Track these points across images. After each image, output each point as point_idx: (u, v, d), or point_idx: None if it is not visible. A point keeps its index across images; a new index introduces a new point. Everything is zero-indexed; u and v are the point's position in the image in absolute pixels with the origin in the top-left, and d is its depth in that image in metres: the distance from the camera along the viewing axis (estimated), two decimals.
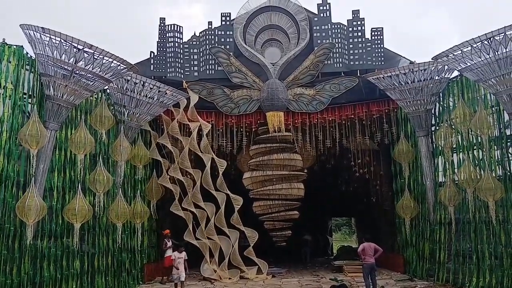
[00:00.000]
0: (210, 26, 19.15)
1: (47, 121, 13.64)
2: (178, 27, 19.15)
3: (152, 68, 18.65)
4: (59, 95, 13.77)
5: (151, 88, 17.02)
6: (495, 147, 14.82)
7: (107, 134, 16.25)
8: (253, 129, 19.25)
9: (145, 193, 18.03)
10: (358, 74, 18.74)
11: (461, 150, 16.13)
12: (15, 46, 13.55)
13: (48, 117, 13.69)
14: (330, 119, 19.08)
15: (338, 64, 18.91)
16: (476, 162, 15.32)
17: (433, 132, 17.57)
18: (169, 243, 17.66)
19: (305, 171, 20.34)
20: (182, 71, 18.91)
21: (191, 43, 19.25)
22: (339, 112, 19.05)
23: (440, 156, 17.21)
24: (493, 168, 14.55)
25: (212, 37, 19.06)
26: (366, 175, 20.65)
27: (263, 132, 19.06)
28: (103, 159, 15.59)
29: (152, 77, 17.76)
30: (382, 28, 19.07)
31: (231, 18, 19.31)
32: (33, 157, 12.94)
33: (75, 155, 14.71)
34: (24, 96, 13.67)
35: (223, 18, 19.29)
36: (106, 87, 15.87)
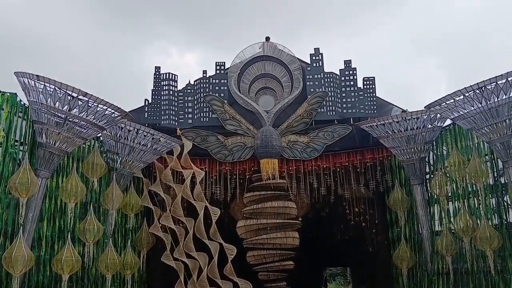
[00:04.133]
0: (204, 74, 19.44)
1: (38, 169, 13.46)
2: (173, 75, 19.40)
3: (146, 116, 18.73)
4: (51, 143, 13.66)
5: (144, 136, 16.97)
6: (491, 195, 14.82)
7: (99, 182, 16.06)
8: (247, 176, 19.08)
9: (136, 243, 17.60)
10: (352, 122, 18.89)
11: (456, 198, 16.08)
12: (8, 94, 13.55)
13: (39, 164, 13.52)
14: (325, 166, 19.03)
15: (331, 112, 19.07)
16: (472, 211, 15.24)
17: (427, 180, 17.57)
18: None
19: (300, 219, 20.09)
20: (176, 118, 18.99)
21: (185, 91, 19.44)
22: (333, 159, 19.03)
23: (435, 205, 17.13)
24: (489, 216, 14.50)
25: (207, 85, 19.26)
26: (362, 224, 20.47)
27: (257, 180, 18.88)
28: (94, 208, 15.33)
29: (146, 125, 17.80)
30: (374, 77, 19.41)
31: (226, 67, 19.59)
32: (22, 205, 12.67)
33: (66, 204, 14.44)
34: (16, 143, 13.57)
35: (218, 67, 19.56)
36: (100, 134, 15.83)
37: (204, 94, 19.20)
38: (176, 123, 18.97)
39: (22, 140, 13.75)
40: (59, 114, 13.66)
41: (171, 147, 18.13)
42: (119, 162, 16.73)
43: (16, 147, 13.58)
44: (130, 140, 16.77)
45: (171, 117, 18.96)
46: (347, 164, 19.07)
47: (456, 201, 16.07)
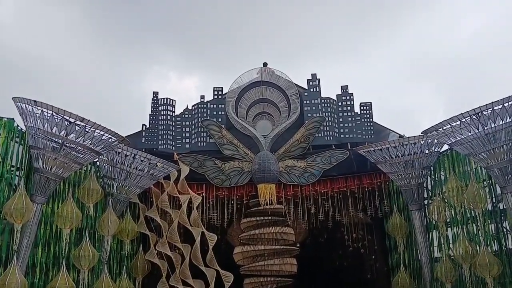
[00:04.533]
0: (202, 99, 19.55)
1: (34, 194, 13.36)
2: (171, 100, 19.50)
3: (143, 141, 18.77)
4: (47, 168, 13.60)
5: (141, 160, 16.90)
6: (489, 221, 14.74)
7: (95, 207, 15.95)
8: (244, 202, 18.99)
9: (131, 270, 17.34)
10: (349, 147, 18.93)
11: (455, 224, 16.00)
12: (6, 119, 13.55)
13: (35, 190, 13.43)
14: (322, 191, 18.99)
15: (328, 137, 19.15)
16: (471, 237, 15.13)
17: (426, 206, 17.46)
18: None
19: (298, 245, 19.92)
20: (173, 143, 18.97)
21: (183, 116, 19.53)
22: (331, 184, 19.01)
23: (434, 230, 17.05)
24: (488, 243, 14.40)
25: (204, 110, 19.36)
26: (361, 250, 20.24)
27: (254, 205, 18.77)
28: (89, 234, 15.19)
29: (143, 149, 17.80)
30: (371, 102, 19.62)
31: (223, 92, 19.70)
32: (17, 231, 12.55)
33: (61, 230, 14.29)
34: (12, 168, 13.49)
35: (215, 92, 19.69)
36: (96, 159, 15.79)
37: (202, 119, 19.27)
38: (173, 148, 18.97)
39: (18, 166, 13.66)
40: (56, 140, 13.64)
41: (168, 172, 18.06)
42: (115, 187, 16.64)
43: (12, 172, 13.47)
44: (127, 165, 16.71)
45: (169, 142, 18.94)
46: (344, 189, 19.07)
47: (455, 227, 15.96)
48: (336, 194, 19.17)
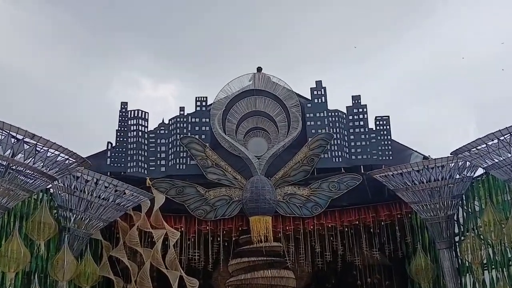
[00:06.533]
0: (182, 112, 19.46)
1: None
2: (143, 113, 19.43)
3: (108, 162, 18.67)
4: None
5: (106, 187, 16.74)
6: None
7: (47, 245, 15.74)
8: (233, 238, 18.86)
9: None
10: (362, 171, 18.88)
11: (493, 266, 15.84)
12: None
13: None
14: (330, 225, 18.92)
15: (337, 159, 19.03)
16: None
17: (457, 244, 17.39)
18: None
19: None
20: (146, 165, 18.86)
21: (158, 131, 19.40)
22: (340, 217, 18.95)
23: (468, 274, 16.91)
24: None
25: (184, 125, 19.28)
26: None
27: (245, 242, 18.68)
28: (40, 279, 15.00)
29: (108, 173, 17.72)
30: (388, 116, 19.50)
31: (208, 103, 19.66)
32: None
33: (4, 274, 13.98)
34: None
35: (198, 103, 19.64)
36: (50, 186, 15.59)
37: (181, 135, 19.12)
38: (146, 172, 18.85)
39: None
40: (0, 161, 13.30)
41: (138, 201, 17.86)
42: (72, 220, 16.40)
43: None
44: (88, 193, 16.53)
45: (140, 164, 18.79)
46: (357, 222, 19.00)
47: (493, 270, 15.79)
48: (346, 229, 19.06)
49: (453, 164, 16.56)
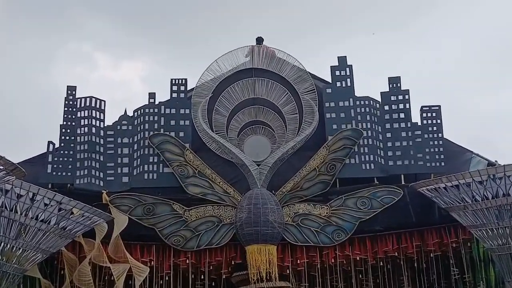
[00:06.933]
0: (152, 100, 17.82)
1: None
2: (98, 101, 17.73)
3: (50, 170, 17.09)
4: None
5: (46, 205, 14.74)
6: None
7: None
8: (224, 276, 17.30)
9: None
10: (403, 182, 17.20)
11: None
12: None
13: None
14: (358, 257, 17.16)
15: (368, 165, 17.32)
16: None
17: None
18: None
19: None
20: (101, 174, 17.31)
21: (118, 127, 17.74)
22: (372, 246, 17.16)
23: None
24: None
25: (156, 117, 17.63)
26: None
27: (240, 281, 16.92)
28: None
29: (50, 186, 16.42)
30: (439, 106, 17.77)
31: (188, 88, 17.98)
32: None
33: None
34: None
35: (175, 88, 17.85)
36: None
37: (151, 132, 17.25)
38: (102, 183, 17.21)
39: None
40: None
41: (91, 224, 15.99)
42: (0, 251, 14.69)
43: None
44: (21, 213, 14.55)
45: (93, 172, 17.13)
46: (396, 254, 17.18)
47: None
48: (381, 263, 17.31)
49: None
